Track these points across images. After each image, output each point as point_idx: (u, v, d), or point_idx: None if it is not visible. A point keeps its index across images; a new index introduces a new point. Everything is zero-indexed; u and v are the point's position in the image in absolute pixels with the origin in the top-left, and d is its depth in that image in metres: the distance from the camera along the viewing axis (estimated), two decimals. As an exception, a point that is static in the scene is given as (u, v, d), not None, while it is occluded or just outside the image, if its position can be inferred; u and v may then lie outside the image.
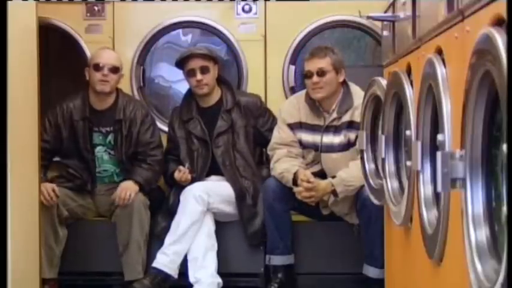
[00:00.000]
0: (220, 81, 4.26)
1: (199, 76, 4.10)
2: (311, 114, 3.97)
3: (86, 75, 4.13)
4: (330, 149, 3.93)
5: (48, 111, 4.05)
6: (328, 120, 3.93)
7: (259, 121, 4.23)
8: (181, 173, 4.07)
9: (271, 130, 4.15)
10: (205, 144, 4.17)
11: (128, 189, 4.00)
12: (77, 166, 4.13)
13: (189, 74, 4.14)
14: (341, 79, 3.93)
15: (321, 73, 3.88)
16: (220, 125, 4.17)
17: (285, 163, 3.93)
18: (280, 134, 4.04)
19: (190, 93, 4.25)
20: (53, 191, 3.93)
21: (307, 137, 3.99)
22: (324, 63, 3.89)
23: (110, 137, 4.15)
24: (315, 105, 3.97)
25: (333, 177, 3.83)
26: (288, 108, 4.05)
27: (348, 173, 3.78)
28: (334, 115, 3.92)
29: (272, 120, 4.22)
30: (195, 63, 4.12)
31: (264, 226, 4.02)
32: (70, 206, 4.07)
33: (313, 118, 3.97)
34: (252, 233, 4.08)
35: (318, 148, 3.96)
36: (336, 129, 3.91)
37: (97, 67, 4.08)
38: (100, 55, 4.14)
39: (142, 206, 4.01)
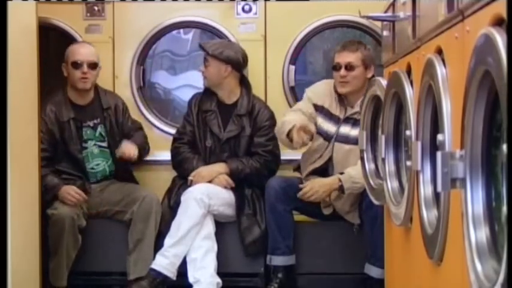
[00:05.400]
0: (242, 82, 4.25)
1: (201, 67, 4.19)
2: (335, 104, 3.97)
3: (64, 72, 4.09)
4: (345, 139, 3.92)
5: None
6: (350, 112, 3.93)
7: (258, 131, 4.19)
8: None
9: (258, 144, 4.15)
10: (218, 145, 4.17)
11: (131, 147, 4.09)
12: (69, 168, 4.06)
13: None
14: (369, 75, 3.91)
15: (350, 67, 3.89)
16: (230, 129, 4.17)
17: (292, 115, 3.88)
18: (301, 105, 4.00)
19: None
20: (76, 192, 3.95)
21: (323, 123, 3.97)
22: (353, 57, 3.89)
23: (100, 129, 4.15)
24: (341, 97, 3.97)
25: (341, 173, 3.84)
26: (318, 90, 4.04)
27: (357, 170, 3.77)
28: (357, 108, 3.90)
29: (267, 138, 4.15)
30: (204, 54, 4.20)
31: (263, 236, 4.02)
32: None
33: (336, 108, 3.97)
34: (250, 242, 4.06)
35: (327, 138, 3.95)
36: (355, 122, 3.89)
37: (76, 64, 4.07)
38: (78, 51, 4.11)
39: (159, 206, 4.08)
